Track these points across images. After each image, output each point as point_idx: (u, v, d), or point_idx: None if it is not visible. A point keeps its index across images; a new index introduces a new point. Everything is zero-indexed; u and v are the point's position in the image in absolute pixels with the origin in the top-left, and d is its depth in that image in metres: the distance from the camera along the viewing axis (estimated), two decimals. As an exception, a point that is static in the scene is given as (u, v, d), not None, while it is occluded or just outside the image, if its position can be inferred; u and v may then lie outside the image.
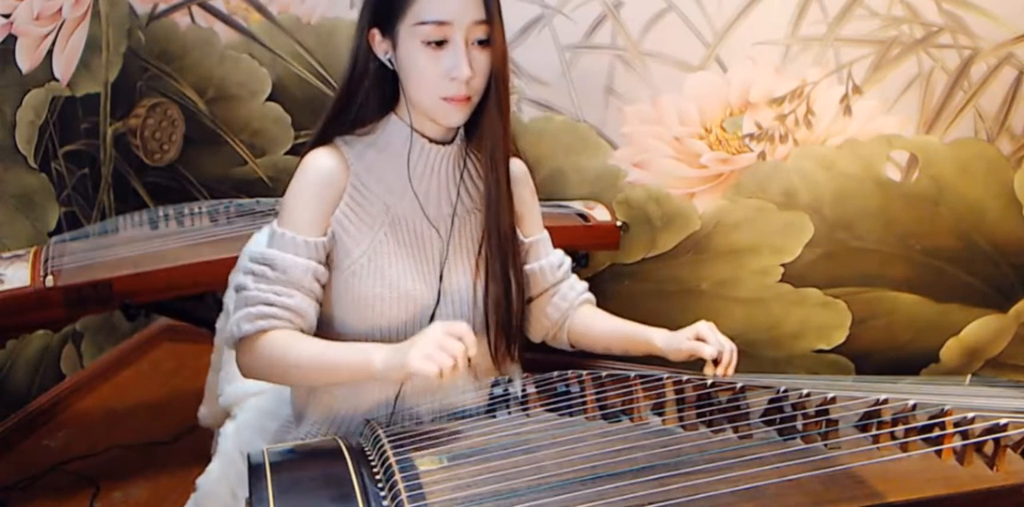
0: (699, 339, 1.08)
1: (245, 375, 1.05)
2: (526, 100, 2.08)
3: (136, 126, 2.36)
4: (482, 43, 0.99)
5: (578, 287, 1.22)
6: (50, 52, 2.01)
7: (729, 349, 1.07)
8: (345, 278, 1.06)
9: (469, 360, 0.90)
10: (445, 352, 0.88)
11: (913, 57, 1.85)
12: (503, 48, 1.02)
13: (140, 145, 2.38)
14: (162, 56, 2.31)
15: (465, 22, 0.97)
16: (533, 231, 1.19)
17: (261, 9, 2.19)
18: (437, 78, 0.99)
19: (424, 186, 1.08)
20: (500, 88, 1.03)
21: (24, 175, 1.97)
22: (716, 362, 1.06)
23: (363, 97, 1.06)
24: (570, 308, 1.20)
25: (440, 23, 0.96)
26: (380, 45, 1.02)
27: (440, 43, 0.97)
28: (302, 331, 1.03)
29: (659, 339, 1.11)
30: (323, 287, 1.06)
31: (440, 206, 1.10)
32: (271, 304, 1.01)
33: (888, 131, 1.91)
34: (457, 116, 1.03)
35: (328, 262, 1.06)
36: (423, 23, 0.96)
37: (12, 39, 1.88)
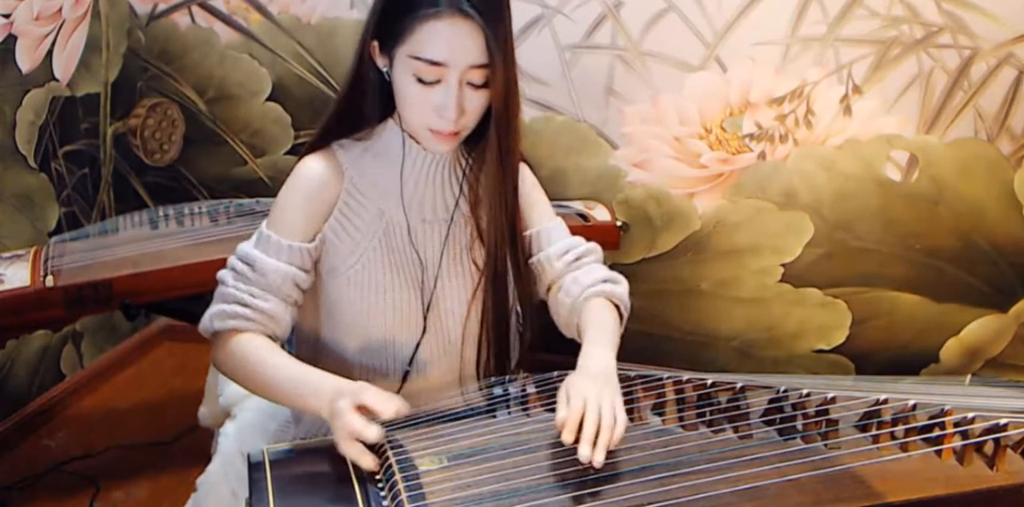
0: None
1: (217, 369, 1.06)
2: (526, 100, 2.08)
3: (136, 126, 2.36)
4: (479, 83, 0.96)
5: (584, 280, 1.09)
6: (50, 52, 2.01)
7: (607, 426, 0.83)
8: (340, 284, 1.06)
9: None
10: (355, 437, 0.84)
11: (913, 57, 1.85)
12: (507, 89, 0.97)
13: (140, 145, 2.38)
14: (162, 56, 2.30)
15: (462, 65, 0.93)
16: (531, 224, 1.14)
17: (261, 9, 2.19)
18: (425, 110, 0.97)
19: (420, 192, 1.08)
20: (502, 129, 1.00)
21: (24, 175, 1.97)
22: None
23: (363, 103, 1.05)
24: (575, 303, 1.08)
25: (435, 63, 0.93)
26: (379, 58, 1.00)
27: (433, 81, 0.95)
28: (274, 336, 1.03)
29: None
30: (304, 292, 1.06)
31: (436, 211, 1.09)
32: (245, 305, 1.01)
33: (888, 131, 1.91)
34: (442, 147, 1.02)
35: (316, 268, 1.06)
36: (418, 58, 0.93)
37: (12, 39, 1.88)
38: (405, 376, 1.11)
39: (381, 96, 1.03)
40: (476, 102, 0.97)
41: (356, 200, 1.06)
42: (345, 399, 0.86)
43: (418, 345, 1.10)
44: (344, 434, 0.85)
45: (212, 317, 1.03)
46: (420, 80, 0.94)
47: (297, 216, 1.04)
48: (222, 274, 1.06)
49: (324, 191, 1.05)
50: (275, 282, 1.02)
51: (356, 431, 0.84)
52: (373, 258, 1.06)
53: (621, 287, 1.11)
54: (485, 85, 0.96)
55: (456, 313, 1.11)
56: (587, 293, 1.08)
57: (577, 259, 1.12)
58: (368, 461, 0.84)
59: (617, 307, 1.09)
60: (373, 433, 0.83)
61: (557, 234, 1.14)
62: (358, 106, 1.05)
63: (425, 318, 1.09)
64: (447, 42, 0.92)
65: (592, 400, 0.84)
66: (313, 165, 1.05)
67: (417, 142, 1.05)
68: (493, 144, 1.02)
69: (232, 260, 1.06)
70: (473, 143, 1.06)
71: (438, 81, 0.94)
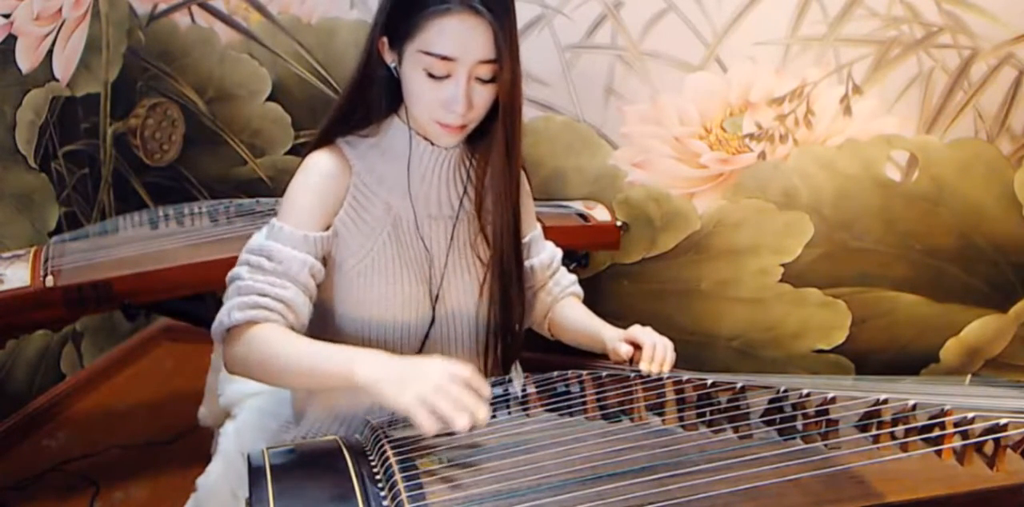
0: (631, 341, 1.08)
1: (229, 368, 1.02)
2: (526, 100, 2.07)
3: (136, 126, 2.36)
4: (487, 78, 0.98)
5: (563, 281, 1.25)
6: (50, 52, 2.01)
7: (661, 346, 1.06)
8: (350, 279, 1.06)
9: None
10: (450, 403, 0.82)
11: (913, 57, 1.85)
12: (513, 83, 0.99)
13: (140, 145, 2.38)
14: (162, 56, 2.30)
15: (471, 60, 0.95)
16: (525, 230, 1.18)
17: (261, 9, 2.19)
18: (434, 104, 0.98)
19: (425, 188, 1.09)
20: (508, 123, 1.02)
21: (24, 175, 1.97)
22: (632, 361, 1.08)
23: (369, 100, 1.06)
24: (554, 302, 1.23)
25: (445, 58, 0.95)
26: (388, 54, 1.02)
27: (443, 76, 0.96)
28: (292, 328, 1.01)
29: (607, 337, 1.11)
30: (318, 285, 1.05)
31: (441, 207, 1.10)
32: (265, 295, 0.99)
33: (888, 131, 1.91)
34: (450, 140, 1.03)
35: (327, 260, 1.06)
36: (428, 53, 0.95)
37: (12, 39, 1.88)
38: None
39: (387, 92, 1.05)
40: (483, 96, 0.99)
41: (364, 194, 1.06)
42: (442, 367, 0.85)
43: (425, 340, 1.10)
44: (441, 395, 0.82)
45: (230, 310, 0.99)
46: (430, 75, 0.96)
47: (308, 207, 1.04)
48: (235, 271, 1.03)
49: (333, 184, 1.05)
50: (293, 270, 1.01)
51: (468, 406, 0.82)
52: (383, 251, 1.06)
53: (579, 287, 1.29)
54: (492, 80, 0.98)
55: (462, 309, 1.11)
56: (565, 292, 1.25)
57: (555, 265, 1.26)
58: (464, 420, 0.81)
59: None
60: (484, 413, 0.82)
61: (541, 243, 1.25)
62: (364, 102, 1.06)
63: (433, 309, 1.09)
64: (457, 38, 0.94)
65: (657, 338, 1.07)
66: (321, 159, 1.06)
67: (424, 138, 1.06)
68: (499, 138, 1.04)
69: (243, 256, 1.03)
70: (477, 140, 1.07)
71: (448, 76, 0.96)
